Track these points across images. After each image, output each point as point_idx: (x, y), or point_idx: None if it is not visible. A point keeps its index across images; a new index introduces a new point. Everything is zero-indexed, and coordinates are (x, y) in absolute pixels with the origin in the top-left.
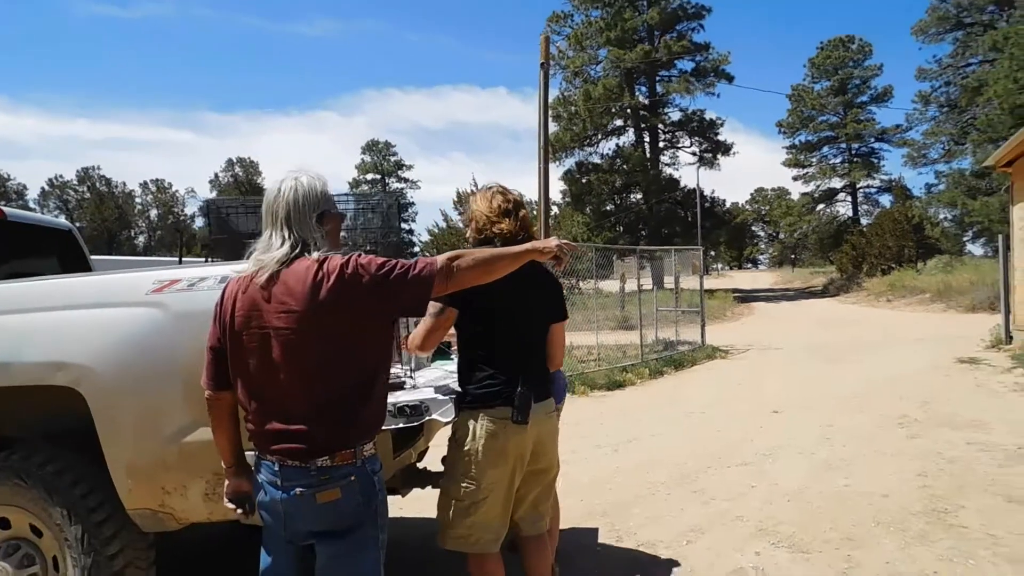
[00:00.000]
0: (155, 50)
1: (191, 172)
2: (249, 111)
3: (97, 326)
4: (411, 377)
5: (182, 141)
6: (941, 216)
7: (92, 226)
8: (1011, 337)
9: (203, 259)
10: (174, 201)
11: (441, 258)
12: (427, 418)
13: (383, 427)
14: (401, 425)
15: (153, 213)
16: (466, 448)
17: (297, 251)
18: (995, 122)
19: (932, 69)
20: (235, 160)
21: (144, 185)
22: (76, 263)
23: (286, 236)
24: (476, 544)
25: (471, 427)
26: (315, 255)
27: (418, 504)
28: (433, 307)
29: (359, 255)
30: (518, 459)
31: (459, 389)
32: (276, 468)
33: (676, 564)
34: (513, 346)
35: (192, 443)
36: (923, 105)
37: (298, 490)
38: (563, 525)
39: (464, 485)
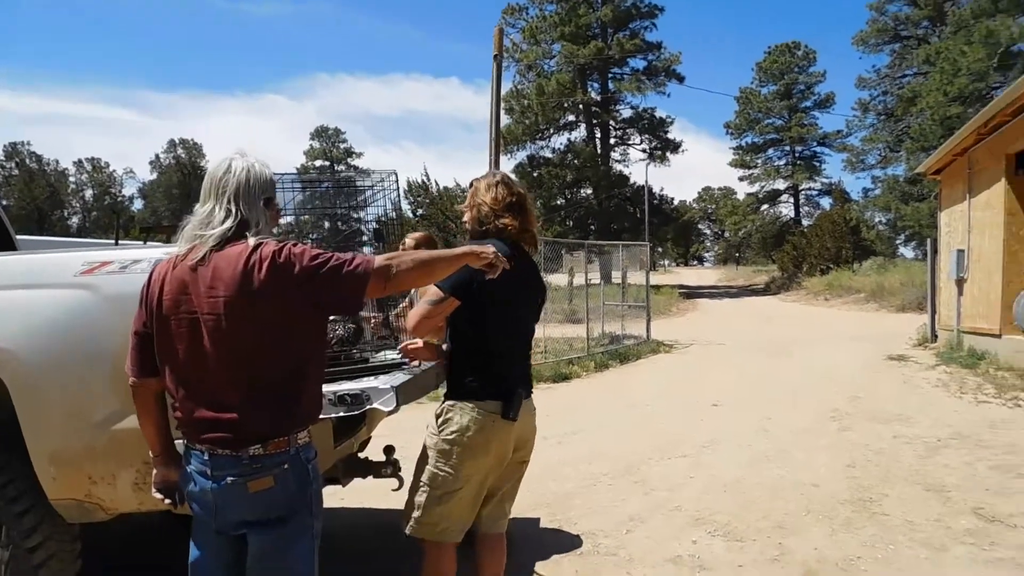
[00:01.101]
0: (90, 22)
1: (130, 152)
2: (193, 91)
3: (20, 308)
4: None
5: (120, 119)
6: (876, 220)
7: (20, 204)
8: (936, 336)
9: (141, 242)
10: (111, 181)
11: (380, 258)
12: (368, 407)
13: (323, 416)
14: (342, 414)
15: (88, 193)
16: (451, 438)
17: (236, 229)
18: (927, 132)
19: (871, 78)
20: (178, 141)
21: (79, 163)
22: None
23: (231, 211)
24: (443, 533)
25: (459, 418)
26: (251, 240)
27: (359, 495)
28: (434, 294)
29: (294, 244)
30: (498, 454)
31: (449, 378)
32: (206, 457)
33: (615, 553)
34: (508, 341)
35: (122, 431)
36: (862, 113)
37: (229, 479)
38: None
39: (442, 474)
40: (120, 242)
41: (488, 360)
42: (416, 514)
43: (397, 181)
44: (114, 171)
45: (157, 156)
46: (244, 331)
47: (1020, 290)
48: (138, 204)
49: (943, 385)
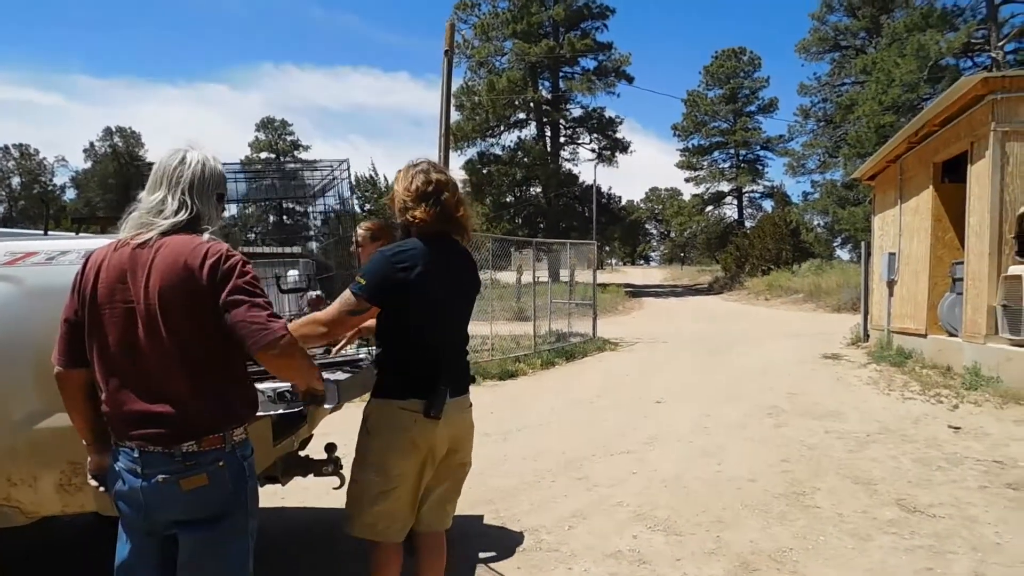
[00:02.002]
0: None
1: (61, 139)
2: (130, 77)
3: None
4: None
5: (49, 104)
6: (815, 222)
7: None
8: (868, 335)
9: (72, 233)
10: (40, 169)
11: (288, 336)
12: (312, 404)
13: (262, 413)
14: (281, 411)
15: (15, 181)
16: (376, 438)
17: (187, 221)
18: (863, 138)
19: (812, 85)
20: (114, 129)
21: (5, 149)
22: None
23: (185, 203)
24: (383, 533)
25: (382, 417)
26: (204, 235)
27: (300, 494)
28: (350, 302)
29: (245, 261)
30: (429, 453)
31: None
32: (136, 455)
33: (557, 548)
34: (432, 338)
35: (45, 430)
36: (803, 118)
37: (160, 477)
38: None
39: (373, 475)
40: (50, 233)
41: (411, 358)
42: (355, 514)
43: (349, 170)
44: (44, 159)
45: (92, 144)
46: (180, 324)
47: (945, 292)
48: (71, 194)
49: (873, 383)
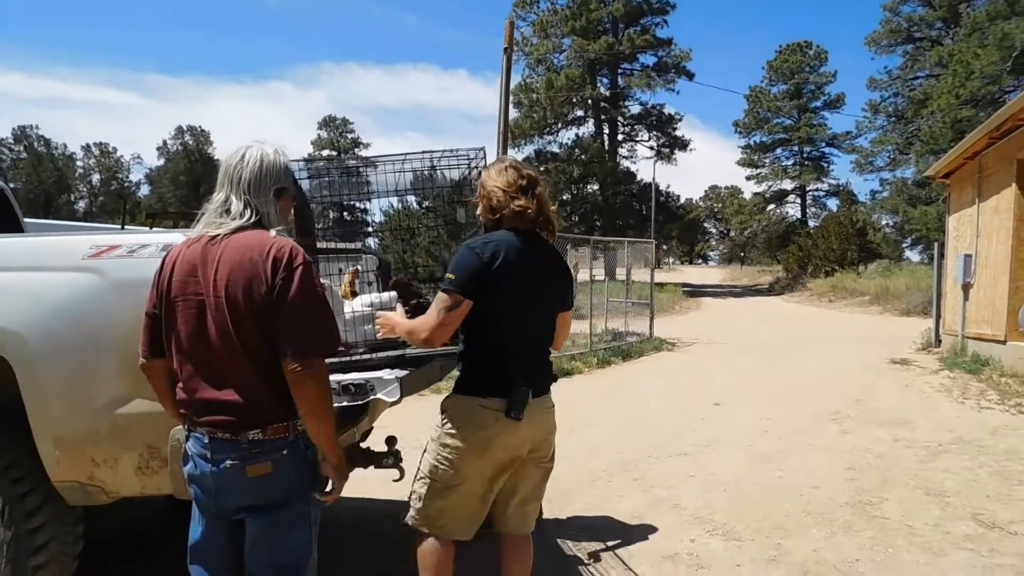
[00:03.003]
0: (98, 4)
1: (136, 137)
2: (199, 76)
3: (27, 291)
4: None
5: (125, 103)
6: (883, 222)
7: (28, 188)
8: (940, 340)
9: (147, 227)
10: (118, 166)
11: (321, 361)
12: (371, 397)
13: None
14: (345, 404)
15: (95, 178)
16: (452, 432)
17: (255, 220)
18: (937, 135)
19: (882, 80)
20: (185, 128)
21: (87, 148)
22: (6, 224)
23: (248, 203)
24: (444, 529)
25: (461, 413)
26: (272, 231)
27: (359, 485)
28: (445, 299)
29: (307, 263)
30: (504, 454)
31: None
32: (206, 440)
33: (613, 549)
34: (517, 337)
35: (125, 415)
36: (872, 114)
37: (228, 463)
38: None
39: (442, 467)
40: (126, 227)
41: (494, 356)
42: (416, 504)
43: (486, 159)
44: (121, 156)
45: (164, 142)
46: (245, 317)
47: None
48: (144, 190)
49: (945, 390)
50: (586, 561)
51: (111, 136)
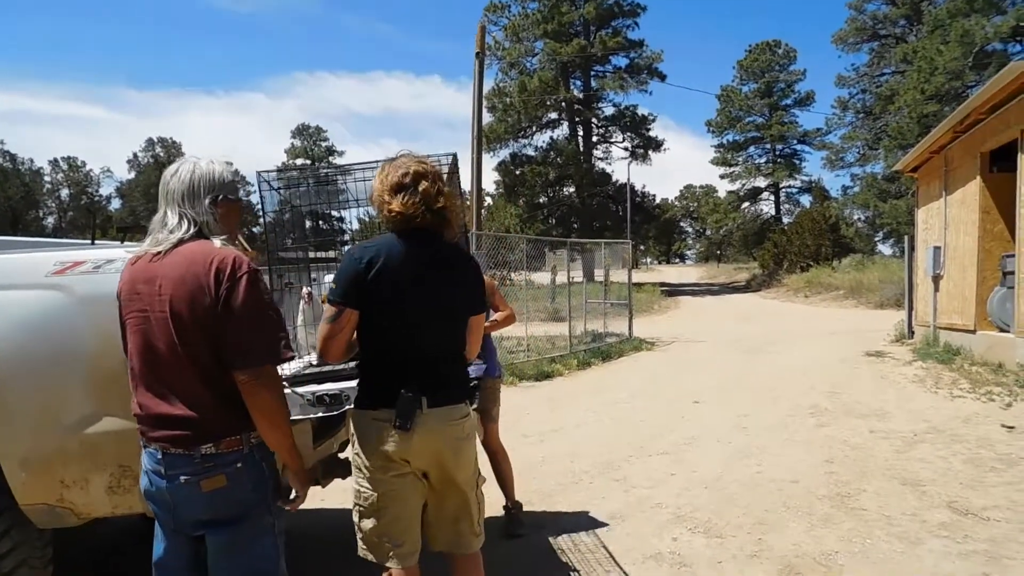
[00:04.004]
0: (65, 18)
1: (106, 151)
2: (170, 89)
3: None
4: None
5: (95, 117)
6: (855, 217)
7: None
8: (913, 332)
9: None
10: (88, 181)
11: (274, 375)
12: (347, 407)
13: (302, 416)
14: (320, 414)
15: (64, 192)
16: (357, 451)
17: (194, 231)
18: (904, 130)
19: (850, 77)
20: (156, 140)
21: (54, 163)
22: None
23: (181, 215)
24: (387, 555)
25: (358, 428)
26: (216, 241)
27: (340, 495)
28: (329, 310)
29: (253, 271)
30: (412, 467)
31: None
32: (159, 456)
33: (596, 550)
34: (407, 345)
35: (95, 434)
36: (841, 111)
37: (182, 478)
38: (487, 514)
39: (361, 489)
40: (96, 242)
41: (384, 366)
42: (359, 534)
43: (456, 165)
44: (91, 170)
45: (135, 155)
46: (191, 330)
47: (994, 286)
48: (116, 204)
49: (919, 380)
50: (570, 565)
51: (80, 151)
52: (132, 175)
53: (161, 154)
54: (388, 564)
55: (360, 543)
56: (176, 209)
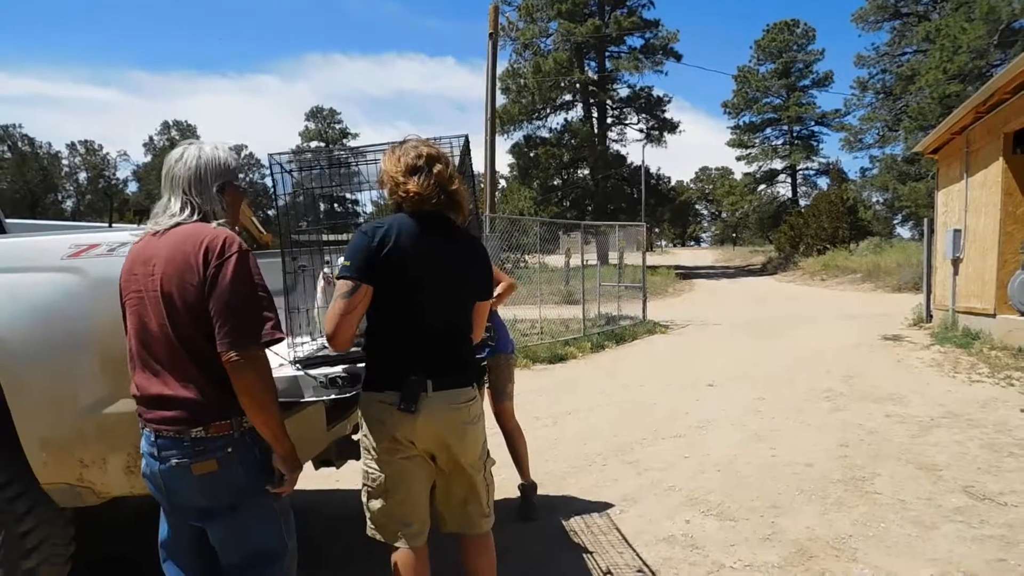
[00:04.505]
0: (78, 2)
1: (122, 134)
2: (183, 71)
3: (7, 293)
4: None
5: (108, 100)
6: (874, 199)
7: (13, 188)
8: (931, 316)
9: (135, 224)
10: (104, 164)
11: (258, 359)
12: (360, 389)
13: (316, 399)
14: (334, 396)
15: (82, 176)
16: (365, 433)
17: (196, 218)
18: (925, 110)
19: (870, 56)
20: (171, 123)
21: (72, 146)
22: None
23: (186, 202)
24: (394, 535)
25: (365, 410)
26: (213, 224)
27: (354, 476)
28: (343, 286)
29: (244, 252)
30: (411, 449)
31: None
32: (152, 438)
33: (609, 532)
34: (414, 328)
35: (112, 415)
36: (860, 91)
37: (174, 461)
38: (499, 496)
39: (369, 470)
40: (114, 225)
41: (390, 348)
42: (367, 514)
43: (468, 147)
44: (107, 154)
45: (151, 138)
46: (180, 311)
47: (1015, 270)
48: (133, 187)
49: (937, 365)
50: (582, 546)
51: (96, 134)
52: (148, 158)
53: (177, 137)
54: (396, 544)
55: (369, 523)
56: (181, 196)
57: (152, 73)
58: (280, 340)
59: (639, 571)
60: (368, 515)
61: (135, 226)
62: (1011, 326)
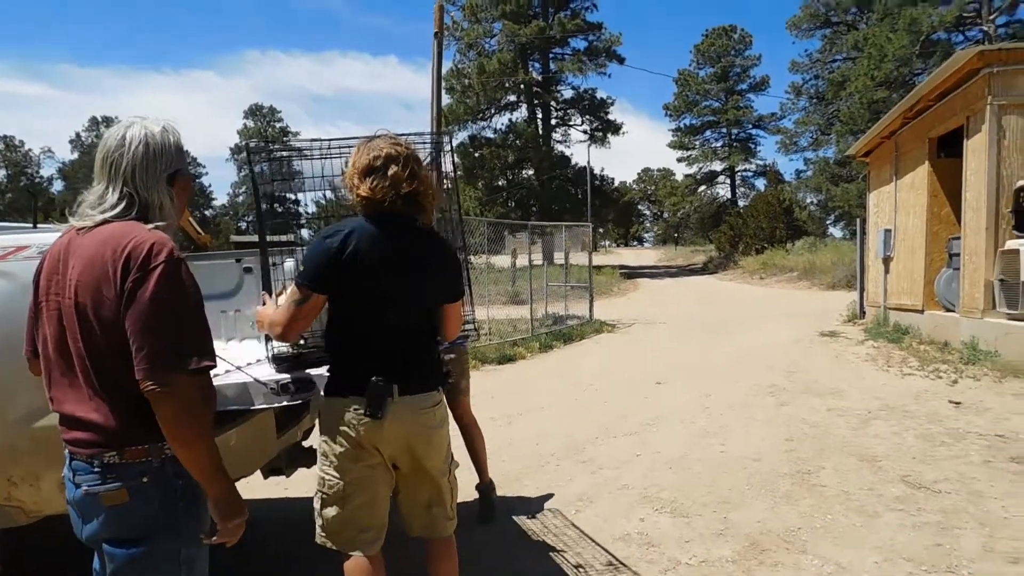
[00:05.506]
0: None
1: (48, 130)
2: (116, 66)
3: None
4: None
5: (34, 95)
6: (808, 200)
7: None
8: (864, 312)
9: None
10: (27, 161)
11: (183, 390)
12: (311, 395)
13: (267, 406)
14: (284, 403)
15: (0, 173)
16: (325, 439)
17: (133, 213)
18: (855, 115)
19: (804, 63)
20: (100, 119)
21: None
22: None
23: (125, 194)
24: (347, 543)
25: (328, 417)
26: (149, 226)
27: (302, 485)
28: (295, 293)
29: (174, 263)
30: (381, 456)
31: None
32: (68, 460)
33: (568, 529)
34: (377, 332)
35: (46, 428)
36: (795, 96)
37: (85, 487)
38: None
39: (327, 477)
40: (39, 226)
41: (353, 352)
42: (318, 521)
43: (440, 146)
44: (30, 150)
45: (78, 135)
46: (93, 325)
47: (941, 268)
48: (59, 185)
49: (871, 359)
50: (546, 545)
51: (19, 130)
52: (75, 156)
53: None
54: (351, 552)
55: (319, 531)
56: (121, 187)
57: (82, 67)
58: (207, 369)
59: (609, 564)
60: (320, 522)
61: (64, 227)
62: (938, 321)
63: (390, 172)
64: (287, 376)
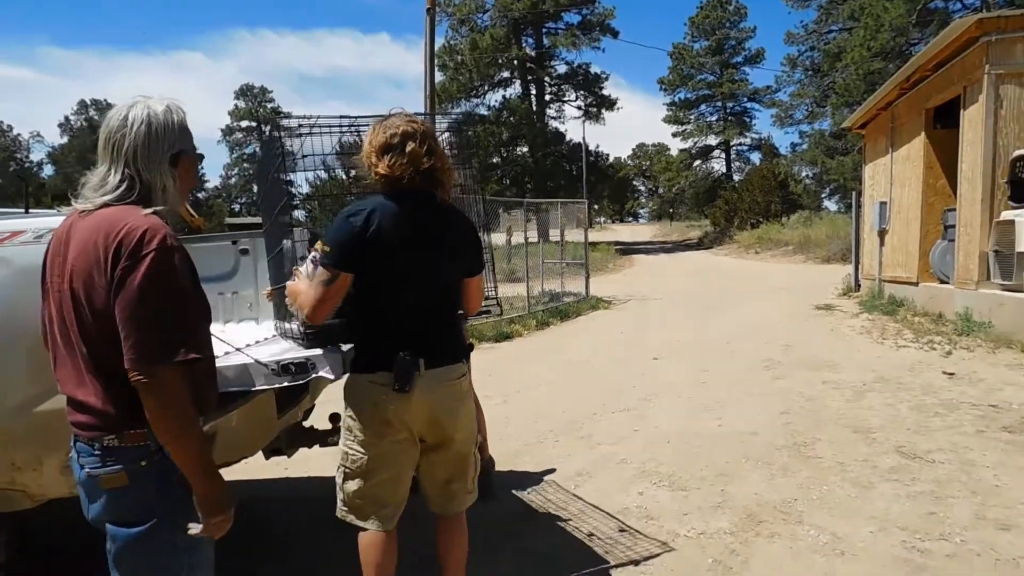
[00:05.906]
0: None
1: (35, 114)
2: (102, 48)
3: None
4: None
5: (19, 79)
6: (803, 174)
7: None
8: (859, 285)
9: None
10: (16, 146)
11: (167, 381)
12: (313, 376)
13: (267, 387)
14: (285, 384)
15: None
16: (351, 414)
17: (135, 196)
18: (851, 87)
19: (799, 34)
20: (89, 102)
21: None
22: None
23: (131, 177)
24: (369, 518)
25: (355, 393)
26: (148, 210)
27: (303, 464)
28: (323, 274)
29: (167, 251)
30: (407, 431)
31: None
32: (73, 442)
33: (564, 508)
34: (402, 308)
35: (45, 413)
36: (790, 68)
37: (88, 470)
38: None
39: (351, 452)
40: (31, 211)
41: (379, 329)
42: (340, 496)
43: (474, 126)
44: (19, 135)
45: (67, 118)
46: (86, 312)
47: (936, 240)
48: (48, 170)
49: (866, 332)
50: (554, 515)
51: (6, 114)
52: (65, 140)
53: (95, 117)
54: (367, 526)
55: (340, 504)
56: (123, 168)
57: (66, 49)
58: (193, 361)
59: (621, 531)
60: (341, 496)
61: (55, 212)
62: (932, 293)
63: (408, 149)
64: (288, 356)
